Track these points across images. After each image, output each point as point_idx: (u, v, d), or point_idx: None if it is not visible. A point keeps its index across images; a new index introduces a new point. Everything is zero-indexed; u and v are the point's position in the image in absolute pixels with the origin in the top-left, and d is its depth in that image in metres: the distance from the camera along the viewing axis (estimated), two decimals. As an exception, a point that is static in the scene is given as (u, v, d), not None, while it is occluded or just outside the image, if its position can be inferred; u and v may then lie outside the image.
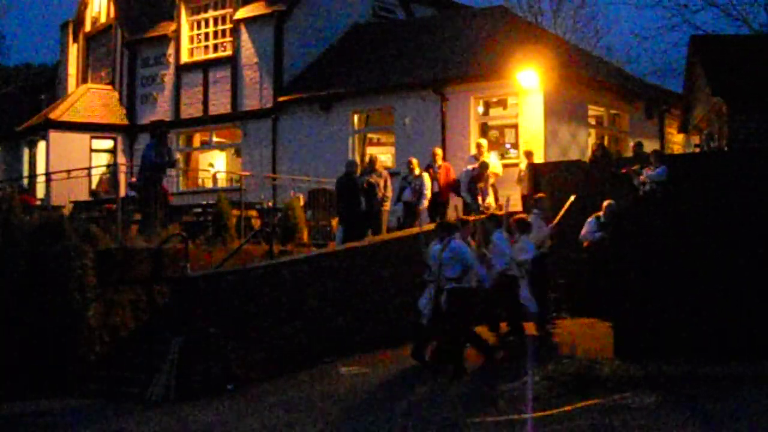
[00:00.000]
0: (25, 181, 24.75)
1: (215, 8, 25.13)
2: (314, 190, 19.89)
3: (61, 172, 20.32)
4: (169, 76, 25.52)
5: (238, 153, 25.10)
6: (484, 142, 18.49)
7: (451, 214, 16.67)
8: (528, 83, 19.12)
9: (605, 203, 14.38)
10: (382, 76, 22.06)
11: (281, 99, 23.12)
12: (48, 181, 21.22)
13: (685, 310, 11.48)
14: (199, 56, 25.27)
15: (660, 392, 9.93)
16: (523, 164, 18.03)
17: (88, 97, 26.63)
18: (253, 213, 18.83)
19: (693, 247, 11.70)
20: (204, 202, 19.18)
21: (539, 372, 10.90)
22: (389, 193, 17.14)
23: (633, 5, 60.71)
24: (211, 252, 15.56)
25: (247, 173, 21.67)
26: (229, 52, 24.51)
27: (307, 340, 13.68)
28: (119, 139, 25.96)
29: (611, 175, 16.25)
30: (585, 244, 14.58)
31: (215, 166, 26.01)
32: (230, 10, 24.63)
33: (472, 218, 14.05)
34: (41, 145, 25.62)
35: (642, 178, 15.61)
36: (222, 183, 24.39)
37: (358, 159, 20.69)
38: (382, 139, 23.58)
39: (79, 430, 11.22)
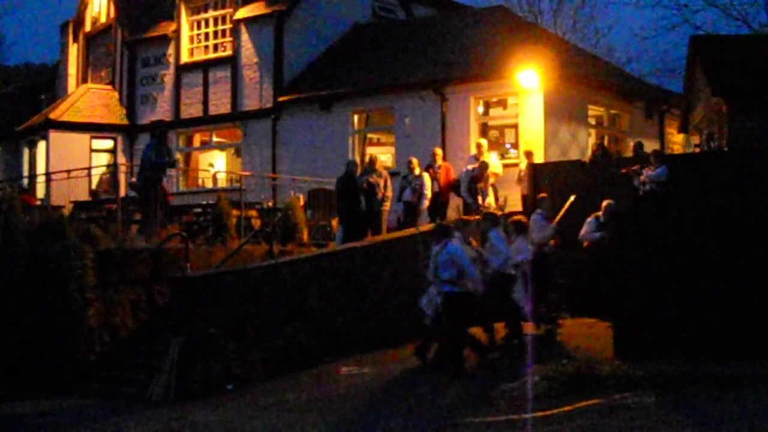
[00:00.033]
0: (25, 181, 24.73)
1: (215, 8, 25.14)
2: (314, 190, 19.88)
3: (61, 172, 20.27)
4: (169, 76, 25.53)
5: (238, 153, 25.09)
6: (484, 142, 18.48)
7: (452, 215, 16.71)
8: (528, 83, 19.12)
9: (604, 203, 14.37)
10: (382, 76, 22.05)
11: (281, 99, 23.12)
12: (48, 181, 21.17)
13: (685, 310, 11.47)
14: (199, 56, 25.28)
15: (660, 392, 9.93)
16: (523, 164, 18.00)
17: (88, 97, 26.64)
18: (253, 213, 18.85)
19: (693, 247, 11.69)
20: (204, 202, 19.19)
21: (539, 372, 10.91)
22: (389, 193, 17.15)
23: (633, 5, 60.85)
24: (211, 252, 15.57)
25: (247, 173, 21.65)
26: (229, 52, 24.52)
27: (307, 340, 13.68)
28: (119, 139, 25.96)
29: (611, 175, 16.24)
30: (585, 244, 14.57)
31: (215, 166, 26.00)
32: (230, 10, 24.63)
33: (472, 218, 14.06)
34: (41, 145, 25.60)
35: (642, 178, 15.60)
36: (222, 183, 24.37)
37: (358, 159, 20.70)
38: (382, 139, 23.57)
39: (79, 430, 11.21)
